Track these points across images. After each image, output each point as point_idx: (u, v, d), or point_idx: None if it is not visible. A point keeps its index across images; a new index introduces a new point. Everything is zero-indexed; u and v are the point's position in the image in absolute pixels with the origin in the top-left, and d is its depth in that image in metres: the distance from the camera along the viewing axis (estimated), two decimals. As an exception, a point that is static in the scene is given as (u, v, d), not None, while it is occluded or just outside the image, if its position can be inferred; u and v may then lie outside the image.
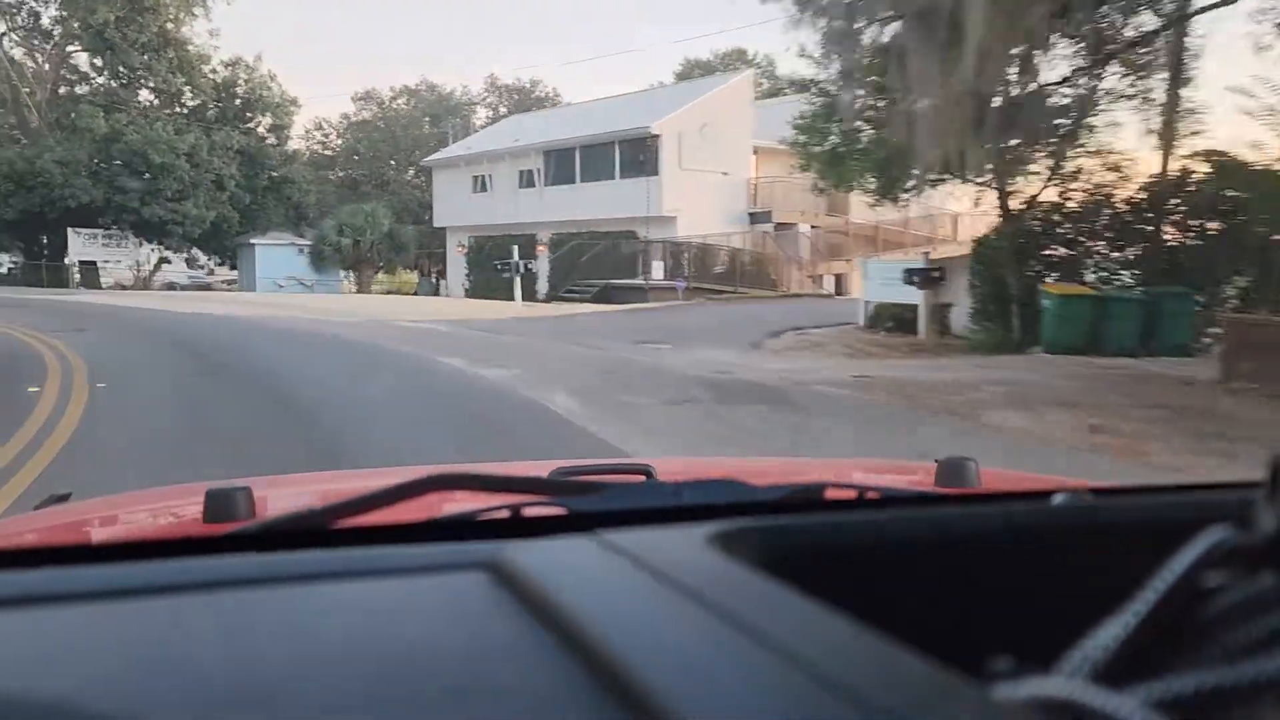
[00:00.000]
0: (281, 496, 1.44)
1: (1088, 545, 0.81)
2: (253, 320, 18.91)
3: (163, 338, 15.07)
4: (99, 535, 1.30)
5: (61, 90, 38.50)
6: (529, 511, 0.92)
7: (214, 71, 39.64)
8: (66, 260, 37.47)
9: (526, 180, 33.63)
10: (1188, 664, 0.48)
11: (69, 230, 35.67)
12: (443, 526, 0.91)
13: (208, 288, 41.47)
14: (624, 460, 1.41)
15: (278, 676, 0.55)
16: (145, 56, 36.30)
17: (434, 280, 41.01)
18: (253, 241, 38.87)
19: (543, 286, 32.56)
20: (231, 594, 0.67)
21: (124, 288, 36.82)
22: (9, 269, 41.20)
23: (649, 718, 0.46)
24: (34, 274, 37.34)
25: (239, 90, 40.06)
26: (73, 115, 35.33)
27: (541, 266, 32.66)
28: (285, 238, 39.66)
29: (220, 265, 42.42)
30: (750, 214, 30.42)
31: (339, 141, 52.22)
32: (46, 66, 37.72)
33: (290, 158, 41.58)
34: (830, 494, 1.04)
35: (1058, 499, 0.91)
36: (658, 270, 26.34)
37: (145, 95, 38.43)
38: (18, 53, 38.47)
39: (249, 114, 40.29)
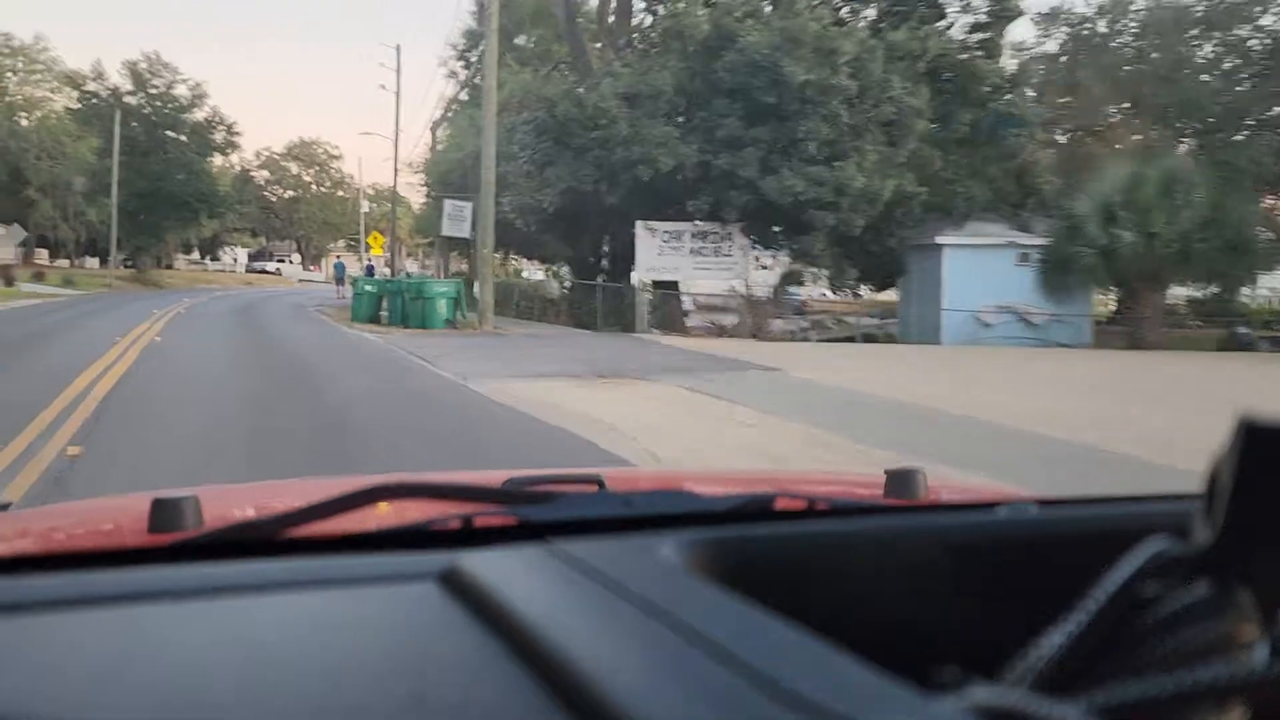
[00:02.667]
0: (230, 506, 1.30)
1: (1032, 555, 0.82)
2: None
3: None
4: (39, 545, 1.18)
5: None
6: (481, 521, 0.91)
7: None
8: (633, 278, 22.43)
9: None
10: (1128, 671, 0.49)
11: (637, 225, 20.04)
12: (394, 536, 0.88)
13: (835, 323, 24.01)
14: (576, 470, 1.21)
15: (224, 689, 0.54)
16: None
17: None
18: (939, 240, 20.52)
19: None
20: (175, 605, 0.66)
21: (720, 330, 20.42)
22: (561, 289, 27.67)
23: None
24: (586, 301, 22.70)
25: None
26: (656, 16, 19.16)
27: None
28: (994, 232, 20.79)
29: (861, 284, 24.52)
30: None
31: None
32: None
33: (1015, 77, 21.97)
34: (779, 504, 1.01)
35: (1003, 510, 0.91)
36: None
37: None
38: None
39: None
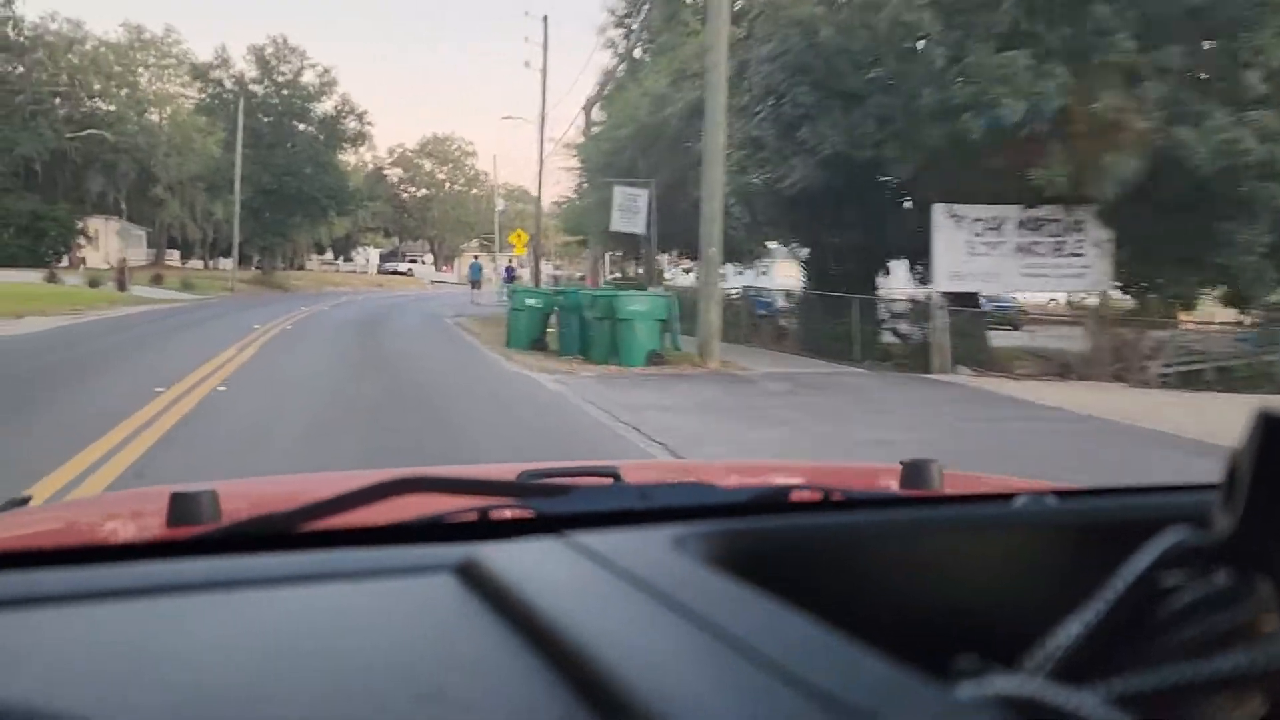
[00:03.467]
0: (248, 500, 1.28)
1: (1050, 546, 0.82)
2: None
3: None
4: (59, 539, 1.19)
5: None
6: (497, 514, 0.92)
7: None
8: (928, 297, 15.75)
9: None
10: (1146, 661, 0.49)
11: (936, 211, 13.27)
12: (411, 529, 0.88)
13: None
14: (591, 463, 1.23)
15: (242, 682, 0.55)
16: None
17: None
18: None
19: None
20: (193, 598, 0.67)
21: (1063, 368, 13.45)
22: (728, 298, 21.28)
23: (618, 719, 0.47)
24: (827, 320, 16.13)
25: None
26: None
27: None
28: None
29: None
30: None
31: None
32: None
33: None
34: (795, 496, 1.01)
35: (1020, 501, 0.91)
36: None
37: None
38: None
39: None
